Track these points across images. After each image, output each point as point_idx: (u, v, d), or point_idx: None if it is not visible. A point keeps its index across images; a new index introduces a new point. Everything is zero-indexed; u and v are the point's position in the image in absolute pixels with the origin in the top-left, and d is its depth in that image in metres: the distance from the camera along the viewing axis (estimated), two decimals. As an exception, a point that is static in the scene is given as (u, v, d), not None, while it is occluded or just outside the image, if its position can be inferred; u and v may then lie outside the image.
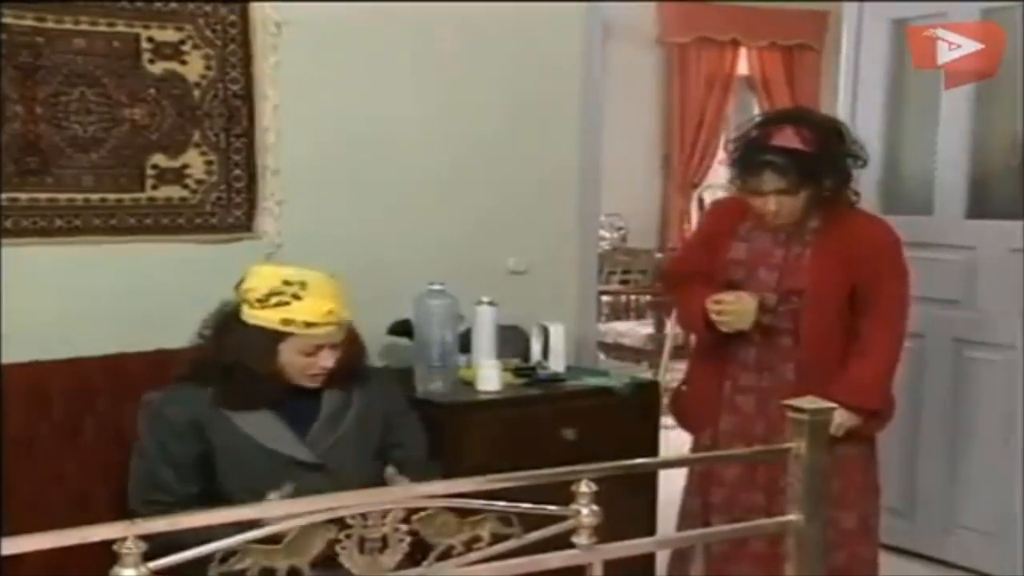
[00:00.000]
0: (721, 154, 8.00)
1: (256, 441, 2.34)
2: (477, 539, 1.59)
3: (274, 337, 2.33)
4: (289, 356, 2.35)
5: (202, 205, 2.85)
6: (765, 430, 2.77)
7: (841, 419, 2.58)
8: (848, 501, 2.73)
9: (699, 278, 2.88)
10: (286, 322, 2.32)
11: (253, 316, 2.35)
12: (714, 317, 2.76)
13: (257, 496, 2.18)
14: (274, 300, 2.33)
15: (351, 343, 2.45)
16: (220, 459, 2.33)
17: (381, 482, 2.36)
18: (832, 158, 2.73)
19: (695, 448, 3.02)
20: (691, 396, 3.00)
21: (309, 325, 2.32)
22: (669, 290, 3.28)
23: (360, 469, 2.39)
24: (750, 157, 2.73)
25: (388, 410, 2.53)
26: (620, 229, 8.02)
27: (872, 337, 2.76)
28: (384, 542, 1.53)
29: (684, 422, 3.04)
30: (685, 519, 2.94)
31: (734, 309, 2.75)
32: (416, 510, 1.55)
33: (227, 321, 2.40)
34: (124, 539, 1.32)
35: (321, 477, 2.31)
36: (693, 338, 3.45)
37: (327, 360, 2.37)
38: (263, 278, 2.37)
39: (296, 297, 2.33)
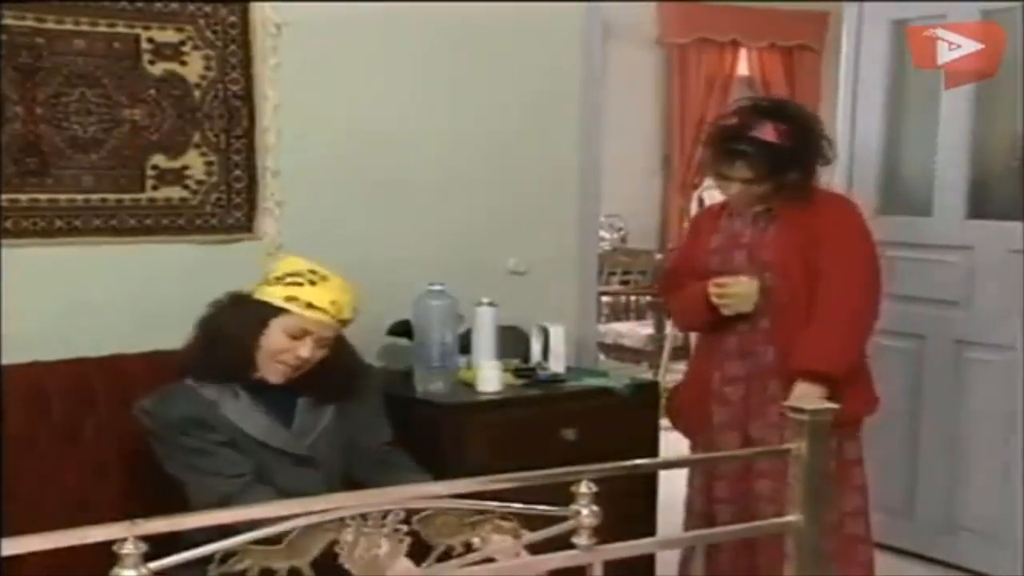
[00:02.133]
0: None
1: (249, 434, 2.34)
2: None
3: (270, 311, 2.35)
4: (274, 335, 2.34)
5: (202, 206, 2.85)
6: (749, 416, 2.80)
7: (801, 391, 2.61)
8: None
9: (693, 277, 2.92)
10: (289, 299, 2.35)
11: (262, 292, 2.38)
12: (716, 300, 2.80)
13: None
14: (289, 279, 2.37)
15: (336, 354, 2.42)
16: None
17: (357, 462, 2.38)
18: (801, 154, 2.80)
19: (693, 448, 3.03)
20: (687, 394, 3.02)
21: (309, 307, 2.34)
22: (666, 293, 3.29)
23: (344, 460, 2.42)
24: (726, 144, 2.81)
25: (361, 408, 2.52)
26: (620, 230, 8.02)
27: (821, 305, 2.77)
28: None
29: (679, 422, 3.05)
30: (691, 517, 2.95)
31: (735, 292, 2.79)
32: (416, 510, 1.56)
33: (232, 299, 2.40)
34: (124, 540, 1.32)
35: (313, 471, 2.35)
36: (693, 341, 3.47)
37: (305, 350, 2.34)
38: (291, 262, 2.43)
39: (311, 283, 2.36)
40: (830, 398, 2.61)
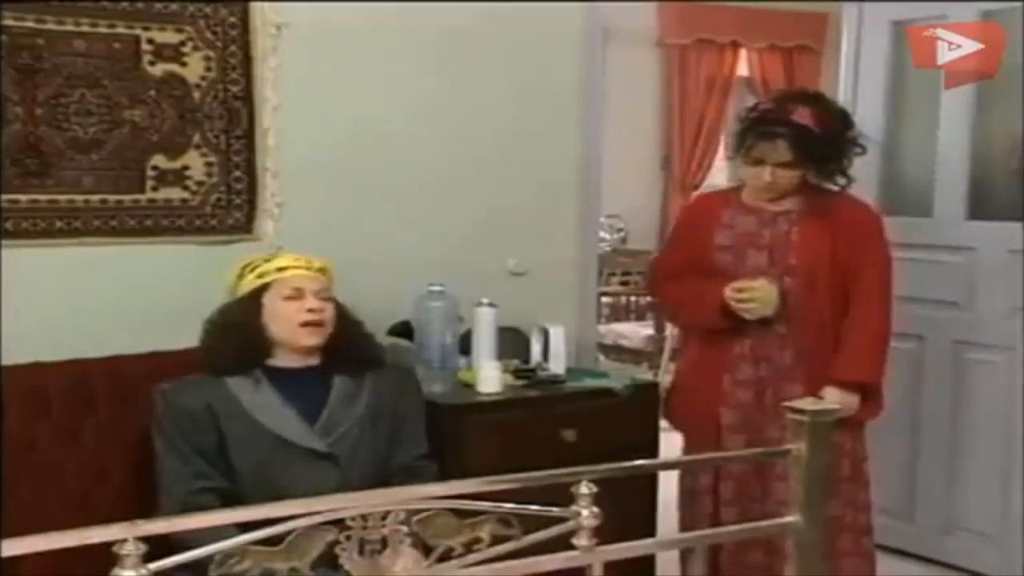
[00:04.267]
0: (721, 154, 8.07)
1: (267, 428, 2.35)
2: (477, 540, 1.59)
3: (255, 294, 2.45)
4: (273, 307, 2.43)
5: (202, 207, 2.85)
6: (764, 420, 2.80)
7: (835, 398, 2.62)
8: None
9: (694, 272, 2.90)
10: (262, 275, 2.46)
11: (237, 291, 2.48)
12: (737, 306, 2.79)
13: (269, 487, 2.23)
14: (249, 268, 2.49)
15: (347, 322, 2.51)
16: (233, 448, 2.33)
17: (390, 476, 2.39)
18: (838, 143, 2.83)
19: (688, 446, 3.02)
20: (688, 393, 3.00)
21: (281, 269, 2.45)
22: (657, 289, 3.25)
23: (372, 461, 2.42)
24: (765, 127, 2.82)
25: (397, 408, 2.52)
26: (620, 231, 8.03)
27: (860, 314, 2.81)
28: (384, 544, 1.54)
29: (678, 421, 3.05)
30: (698, 517, 2.94)
31: (760, 296, 2.77)
32: (416, 511, 1.55)
33: (220, 310, 2.49)
34: (124, 540, 1.32)
35: (332, 467, 2.35)
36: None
37: (312, 302, 2.42)
38: (236, 264, 2.54)
39: (267, 260, 2.50)
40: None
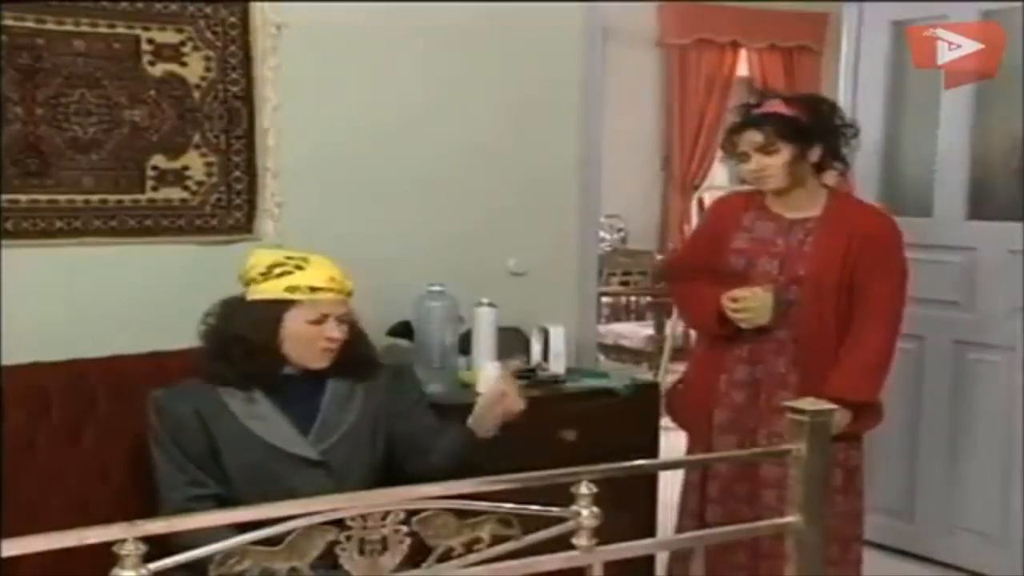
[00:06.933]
0: (720, 154, 8.07)
1: (258, 436, 2.32)
2: (477, 540, 1.59)
3: (278, 307, 2.34)
4: (294, 327, 2.34)
5: (202, 207, 2.85)
6: (755, 422, 2.80)
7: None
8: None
9: (704, 274, 2.90)
10: (291, 289, 2.34)
11: (256, 292, 2.36)
12: (732, 315, 2.78)
13: (262, 494, 2.20)
14: (277, 271, 2.35)
15: (352, 330, 2.43)
16: (224, 455, 2.31)
17: (385, 481, 2.35)
18: (814, 124, 2.81)
19: (690, 445, 3.03)
20: (688, 391, 3.01)
21: (314, 290, 2.34)
22: (672, 284, 3.26)
23: (367, 467, 2.39)
24: (737, 120, 2.88)
25: (396, 405, 2.48)
26: (620, 231, 8.03)
27: (862, 329, 2.78)
28: (384, 544, 1.54)
29: (678, 418, 3.06)
30: (684, 516, 2.95)
31: (755, 306, 2.76)
32: (416, 511, 1.55)
33: (229, 306, 2.40)
34: (124, 540, 1.32)
35: (325, 475, 2.31)
36: (693, 336, 3.46)
37: (334, 330, 2.35)
38: (265, 255, 2.41)
39: (299, 268, 2.36)
40: None
